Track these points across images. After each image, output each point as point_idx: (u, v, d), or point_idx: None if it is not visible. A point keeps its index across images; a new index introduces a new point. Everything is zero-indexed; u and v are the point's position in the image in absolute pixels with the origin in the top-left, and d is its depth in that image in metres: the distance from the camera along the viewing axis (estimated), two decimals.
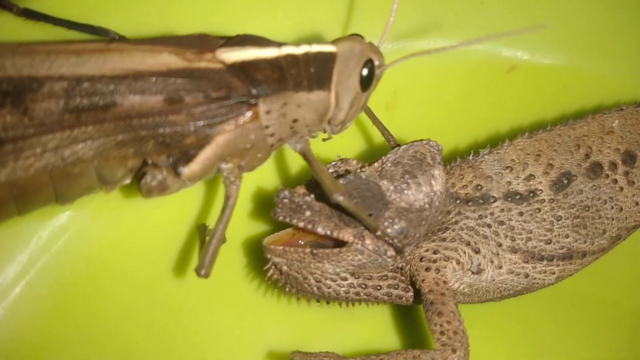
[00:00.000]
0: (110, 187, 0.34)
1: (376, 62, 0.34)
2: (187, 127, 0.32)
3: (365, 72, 0.34)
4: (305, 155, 0.36)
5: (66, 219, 0.37)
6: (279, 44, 0.33)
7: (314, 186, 0.37)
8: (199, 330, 0.39)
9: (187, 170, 0.33)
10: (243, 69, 0.33)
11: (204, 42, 0.34)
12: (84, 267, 0.37)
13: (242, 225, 0.40)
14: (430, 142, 0.38)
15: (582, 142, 0.40)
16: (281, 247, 0.36)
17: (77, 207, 0.37)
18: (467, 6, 0.44)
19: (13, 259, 0.36)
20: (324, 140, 0.37)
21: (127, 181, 0.34)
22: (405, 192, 0.36)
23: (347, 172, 0.37)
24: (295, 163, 0.35)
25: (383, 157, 0.37)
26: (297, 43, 0.33)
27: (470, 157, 0.40)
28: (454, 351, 0.35)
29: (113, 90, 0.31)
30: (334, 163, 0.38)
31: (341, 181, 0.36)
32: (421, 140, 0.38)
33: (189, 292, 0.39)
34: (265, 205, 0.40)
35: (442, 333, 0.36)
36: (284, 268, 0.37)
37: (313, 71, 0.33)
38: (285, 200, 0.37)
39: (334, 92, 0.34)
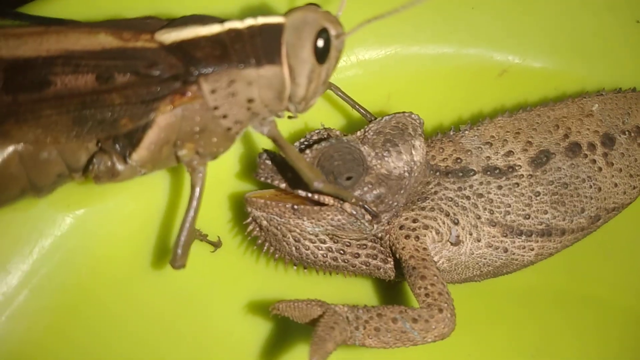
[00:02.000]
0: (79, 175, 0.33)
1: (332, 32, 0.32)
2: (120, 107, 0.31)
3: (320, 42, 0.32)
4: (276, 140, 0.34)
5: (67, 227, 0.37)
6: (222, 20, 0.32)
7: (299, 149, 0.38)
8: (184, 288, 0.39)
9: (135, 155, 0.32)
10: (181, 48, 0.31)
11: (146, 25, 0.33)
12: (86, 271, 0.37)
13: (229, 183, 0.40)
14: (412, 115, 0.39)
15: (561, 122, 0.41)
16: (262, 201, 0.37)
17: (78, 212, 0.37)
18: (458, 12, 0.45)
19: (16, 268, 0.36)
20: (289, 117, 0.35)
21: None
22: (386, 159, 0.37)
23: (330, 137, 0.38)
24: (282, 127, 0.36)
25: (366, 127, 0.38)
26: (243, 17, 0.32)
27: (451, 132, 0.40)
28: (440, 311, 0.34)
29: (48, 71, 0.31)
30: (317, 131, 0.39)
31: (323, 144, 0.37)
32: (403, 112, 0.39)
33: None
34: (253, 166, 0.40)
35: (427, 295, 0.35)
36: (264, 223, 0.37)
37: (260, 45, 0.31)
38: (268, 162, 0.37)
39: (287, 66, 0.32)
